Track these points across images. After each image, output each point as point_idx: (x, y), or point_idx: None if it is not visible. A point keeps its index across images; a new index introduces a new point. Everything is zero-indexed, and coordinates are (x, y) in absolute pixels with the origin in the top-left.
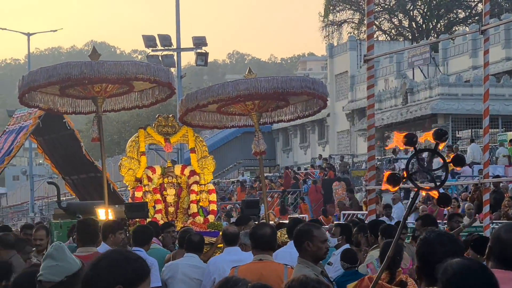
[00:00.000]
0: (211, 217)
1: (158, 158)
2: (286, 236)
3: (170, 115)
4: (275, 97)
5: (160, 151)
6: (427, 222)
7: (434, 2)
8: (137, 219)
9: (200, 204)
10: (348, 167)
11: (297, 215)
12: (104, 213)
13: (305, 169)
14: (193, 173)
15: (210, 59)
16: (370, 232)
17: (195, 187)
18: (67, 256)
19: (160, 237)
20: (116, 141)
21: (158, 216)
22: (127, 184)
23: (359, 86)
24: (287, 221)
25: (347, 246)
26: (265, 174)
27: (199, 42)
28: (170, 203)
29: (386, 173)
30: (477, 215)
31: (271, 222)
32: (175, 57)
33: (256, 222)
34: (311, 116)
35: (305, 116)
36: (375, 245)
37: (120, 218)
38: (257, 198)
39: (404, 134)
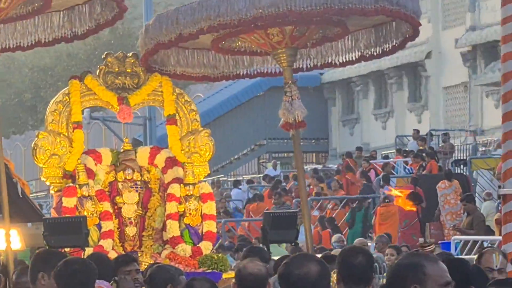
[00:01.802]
0: (205, 246)
1: (108, 135)
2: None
3: (129, 54)
4: (324, 21)
5: (110, 121)
6: None
7: None
8: (68, 249)
9: (186, 221)
10: (451, 152)
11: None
12: (3, 237)
13: (385, 157)
14: (172, 162)
15: None
16: None
17: (175, 189)
18: None
19: (112, 282)
20: (29, 105)
21: (107, 244)
22: (48, 182)
23: (486, 1)
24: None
25: None
26: (309, 167)
27: None
28: (130, 218)
29: None
30: None
31: (318, 255)
32: None
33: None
34: (390, 55)
35: (377, 55)
36: None
37: (37, 247)
38: (294, 211)
39: None
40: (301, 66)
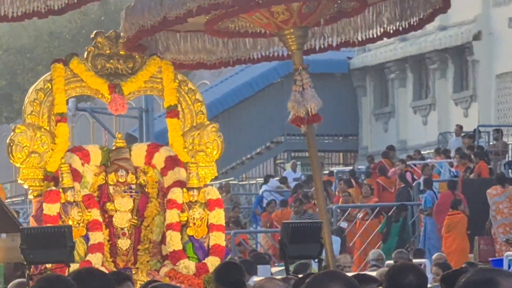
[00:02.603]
0: (212, 262)
1: (97, 129)
2: None
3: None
4: None
5: (100, 113)
6: None
7: None
8: (49, 265)
9: (189, 232)
10: (504, 151)
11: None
12: None
13: (421, 158)
14: (173, 162)
15: None
16: None
17: (177, 195)
18: None
19: None
20: (3, 93)
21: (95, 259)
22: (26, 186)
23: None
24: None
25: None
26: (336, 169)
27: None
28: (123, 229)
29: None
30: None
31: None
32: None
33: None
34: (418, 30)
35: (403, 31)
36: None
37: (14, 263)
38: (317, 221)
39: None
40: (313, 46)
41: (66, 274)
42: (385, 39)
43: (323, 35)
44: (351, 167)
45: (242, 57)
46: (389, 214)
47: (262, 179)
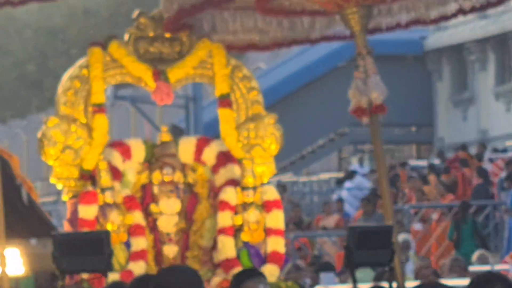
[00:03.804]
0: (270, 270)
1: (139, 121)
2: None
3: None
4: None
5: (142, 102)
6: None
7: None
8: (85, 275)
9: (244, 237)
10: None
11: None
12: None
13: (505, 149)
14: (225, 158)
15: None
16: None
17: (230, 195)
18: None
19: None
20: (32, 79)
21: (138, 268)
22: (60, 185)
23: None
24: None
25: None
26: (412, 163)
27: None
28: (169, 234)
29: None
30: None
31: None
32: None
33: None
34: (498, 7)
35: (481, 7)
36: None
37: (50, 273)
38: (388, 224)
39: None
40: (379, 25)
41: (104, 284)
42: (461, 16)
43: (390, 12)
44: (425, 161)
45: (299, 38)
46: (456, 215)
47: (326, 175)
